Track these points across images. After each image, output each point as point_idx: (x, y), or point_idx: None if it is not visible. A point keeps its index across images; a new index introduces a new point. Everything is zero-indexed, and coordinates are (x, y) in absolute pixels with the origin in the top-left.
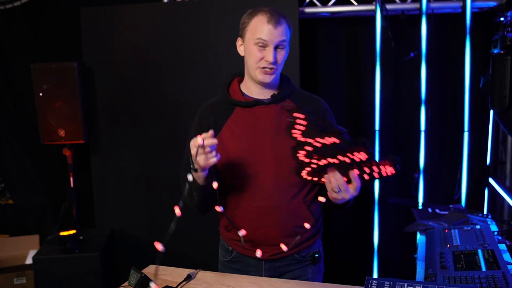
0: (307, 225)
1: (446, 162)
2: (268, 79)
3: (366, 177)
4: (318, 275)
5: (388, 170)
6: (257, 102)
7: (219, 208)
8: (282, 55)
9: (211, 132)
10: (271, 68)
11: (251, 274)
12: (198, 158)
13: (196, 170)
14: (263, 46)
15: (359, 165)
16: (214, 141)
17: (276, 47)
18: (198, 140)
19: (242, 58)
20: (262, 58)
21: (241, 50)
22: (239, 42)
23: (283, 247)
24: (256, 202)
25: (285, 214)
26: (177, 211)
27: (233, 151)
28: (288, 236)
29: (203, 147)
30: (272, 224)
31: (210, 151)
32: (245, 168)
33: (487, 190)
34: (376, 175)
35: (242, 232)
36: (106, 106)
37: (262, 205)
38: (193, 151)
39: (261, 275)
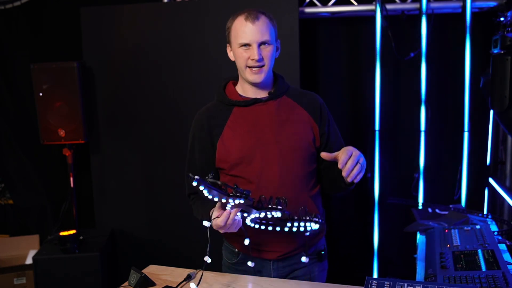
0: (304, 259)
1: (446, 162)
2: (258, 78)
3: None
4: (323, 272)
5: (313, 225)
6: (256, 101)
7: (206, 223)
8: (268, 51)
9: (216, 213)
10: (259, 66)
11: (258, 275)
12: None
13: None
14: (247, 46)
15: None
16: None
17: (260, 45)
18: (204, 223)
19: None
20: (248, 58)
21: (231, 55)
22: (228, 48)
23: (304, 259)
24: None
25: (292, 209)
26: (206, 223)
27: (237, 150)
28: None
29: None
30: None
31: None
32: (250, 165)
33: (487, 190)
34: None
35: (247, 241)
36: (106, 106)
37: None
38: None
39: (269, 275)
